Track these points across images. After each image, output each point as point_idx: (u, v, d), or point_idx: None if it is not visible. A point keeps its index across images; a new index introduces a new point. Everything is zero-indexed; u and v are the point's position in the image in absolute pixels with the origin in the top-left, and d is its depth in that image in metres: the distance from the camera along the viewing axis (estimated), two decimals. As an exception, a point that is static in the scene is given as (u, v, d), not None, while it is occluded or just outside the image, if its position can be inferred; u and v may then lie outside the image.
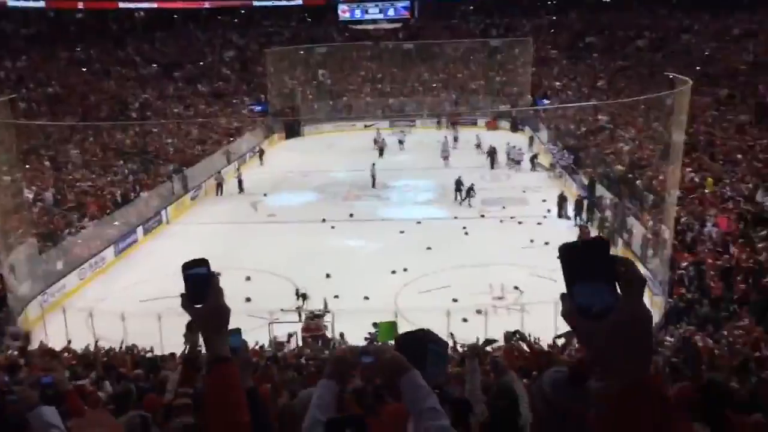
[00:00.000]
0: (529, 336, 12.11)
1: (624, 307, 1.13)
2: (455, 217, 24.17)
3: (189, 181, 28.44)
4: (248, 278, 18.75)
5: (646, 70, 38.56)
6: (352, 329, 14.87)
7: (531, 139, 35.42)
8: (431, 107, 43.29)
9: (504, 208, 24.90)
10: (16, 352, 12.61)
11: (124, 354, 12.85)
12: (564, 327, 13.77)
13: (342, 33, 51.81)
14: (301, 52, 46.26)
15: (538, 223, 23.16)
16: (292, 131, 41.33)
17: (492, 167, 30.50)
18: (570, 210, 23.64)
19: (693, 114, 23.43)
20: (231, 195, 28.77)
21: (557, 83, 43.14)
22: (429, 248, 20.99)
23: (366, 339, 14.06)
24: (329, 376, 2.26)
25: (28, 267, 17.93)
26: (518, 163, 31.21)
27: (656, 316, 16.10)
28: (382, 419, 2.89)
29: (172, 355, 12.60)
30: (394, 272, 19.15)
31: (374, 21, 52.87)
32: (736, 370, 8.70)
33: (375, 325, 14.55)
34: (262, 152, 35.20)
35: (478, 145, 34.06)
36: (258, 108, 42.05)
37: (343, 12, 53.48)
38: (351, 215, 24.85)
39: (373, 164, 29.24)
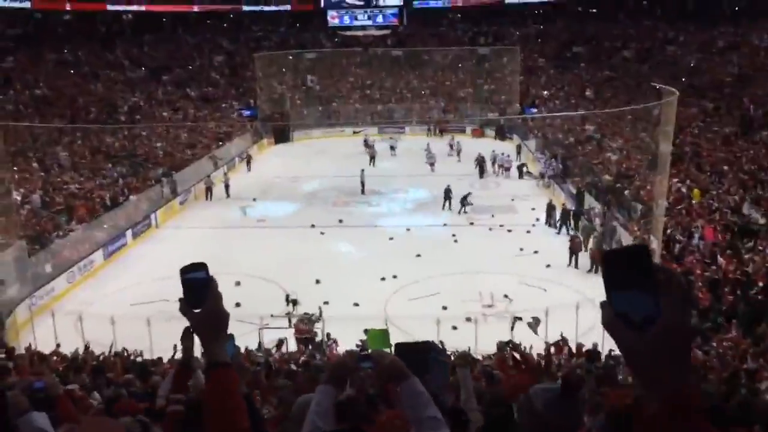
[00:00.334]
0: (521, 346, 12.21)
1: (667, 317, 1.09)
2: (444, 225, 24.26)
3: (178, 185, 28.32)
4: (238, 283, 18.67)
5: (632, 80, 38.99)
6: (342, 336, 14.89)
7: (519, 147, 35.63)
8: (420, 114, 43.47)
9: (493, 216, 25.01)
10: (2, 356, 12.47)
11: (113, 358, 12.77)
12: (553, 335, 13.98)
13: (331, 39, 51.92)
14: (290, 58, 46.32)
15: (527, 232, 23.30)
16: (282, 136, 41.29)
17: (481, 176, 30.62)
18: (564, 220, 23.75)
19: (679, 125, 23.74)
20: (220, 200, 28.67)
21: (545, 92, 43.48)
22: (418, 255, 21.04)
23: (357, 346, 14.05)
24: (328, 382, 2.18)
25: (17, 269, 17.76)
26: (507, 170, 31.41)
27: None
28: (378, 428, 2.88)
29: (161, 359, 12.56)
30: (383, 279, 19.17)
31: (363, 27, 52.99)
32: (726, 382, 8.81)
33: (366, 332, 14.56)
34: (249, 158, 35.06)
35: (454, 152, 34.63)
36: (247, 113, 41.98)
37: (332, 18, 53.57)
38: (340, 221, 24.86)
39: (363, 170, 29.29)
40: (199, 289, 1.75)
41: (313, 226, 24.19)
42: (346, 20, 53.44)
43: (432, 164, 32.53)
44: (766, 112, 26.46)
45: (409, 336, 13.93)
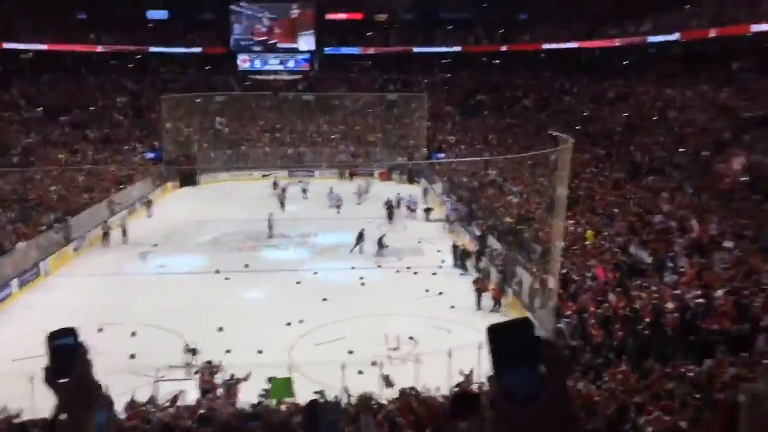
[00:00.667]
0: (426, 389, 12.22)
1: (550, 391, 1.12)
2: (352, 268, 24.23)
3: (73, 231, 26.95)
4: (134, 333, 17.83)
5: (532, 128, 40.92)
6: (246, 384, 14.41)
7: (425, 191, 36.40)
8: (330, 158, 43.72)
9: (400, 259, 25.25)
10: None
11: (-10, 419, 11.75)
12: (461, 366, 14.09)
13: (241, 82, 51.76)
14: (199, 100, 45.71)
15: (433, 274, 23.62)
16: (188, 180, 40.35)
17: (390, 219, 30.94)
18: (464, 261, 24.25)
19: (574, 170, 24.95)
20: (118, 245, 27.47)
21: (451, 138, 44.88)
22: (325, 299, 20.87)
23: (260, 396, 13.65)
24: None
25: None
26: (413, 211, 31.99)
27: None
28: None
29: (44, 419, 11.70)
30: (289, 324, 18.84)
31: (274, 72, 53.23)
32: (613, 416, 9.12)
33: (269, 380, 14.19)
34: (150, 202, 33.88)
35: (365, 195, 35.09)
36: (151, 155, 40.84)
37: (243, 62, 53.58)
38: (246, 266, 24.36)
39: (271, 214, 28.96)
40: (66, 357, 1.60)
41: (217, 271, 23.57)
42: (257, 64, 53.59)
43: (338, 207, 32.70)
44: (651, 159, 28.28)
45: (313, 383, 13.68)
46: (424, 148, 43.12)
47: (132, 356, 15.48)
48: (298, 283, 22.70)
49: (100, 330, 17.06)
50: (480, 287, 20.79)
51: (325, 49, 53.87)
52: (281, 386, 13.99)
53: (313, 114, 47.80)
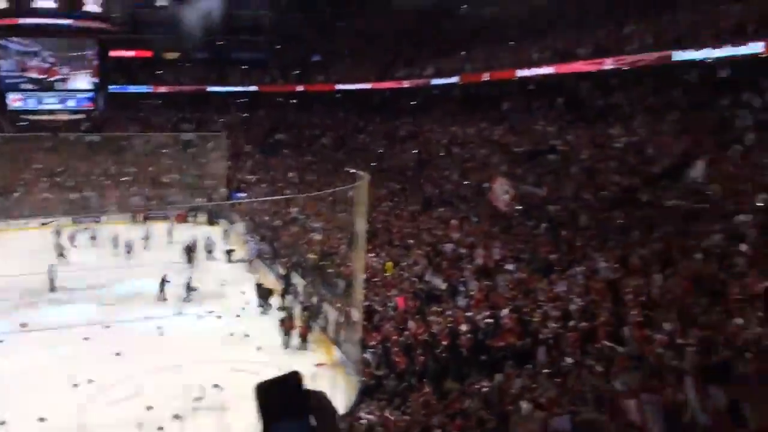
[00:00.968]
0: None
1: None
2: (146, 318, 22.70)
3: None
4: None
5: (330, 165, 41.94)
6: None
7: (226, 231, 35.52)
8: (120, 201, 40.96)
9: (201, 303, 24.21)
10: None
11: None
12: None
13: (14, 123, 46.92)
14: (-38, 143, 40.60)
15: (237, 316, 22.97)
16: (-51, 232, 35.32)
17: (190, 263, 29.54)
18: (268, 299, 23.88)
19: (372, 205, 25.96)
20: None
21: (251, 177, 44.46)
22: (118, 354, 19.27)
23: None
24: None
25: None
26: (210, 252, 30.97)
27: (352, 395, 16.92)
28: None
29: None
30: (76, 385, 17.07)
31: (51, 111, 49.10)
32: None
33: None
34: None
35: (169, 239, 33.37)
36: None
37: (14, 101, 48.80)
38: (24, 325, 21.76)
39: (52, 265, 26.26)
40: None
41: (-13, 333, 20.77)
42: (32, 104, 49.12)
43: (128, 252, 30.68)
44: (441, 191, 30.32)
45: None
46: (223, 188, 42.16)
47: None
48: (86, 339, 20.74)
49: None
50: (287, 326, 20.59)
51: (110, 87, 50.86)
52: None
53: (98, 155, 44.61)
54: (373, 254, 24.32)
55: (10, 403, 15.79)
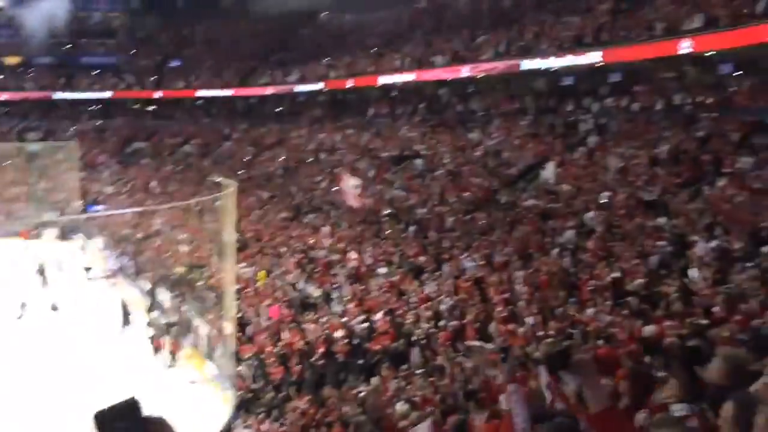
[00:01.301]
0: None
1: None
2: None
3: None
4: None
5: (196, 174, 40.63)
6: None
7: (83, 247, 33.38)
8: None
9: (57, 325, 22.57)
10: None
11: None
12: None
13: None
14: None
15: (101, 335, 21.65)
16: None
17: (44, 283, 27.30)
18: (128, 317, 22.71)
19: (241, 214, 25.50)
20: None
21: (109, 188, 42.09)
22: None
23: None
24: None
25: None
26: (63, 271, 28.90)
27: (228, 411, 16.54)
28: None
29: None
30: None
31: None
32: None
33: None
34: None
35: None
36: None
37: None
38: None
39: None
40: None
41: None
42: None
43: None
44: (310, 199, 30.33)
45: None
46: (78, 201, 39.52)
47: None
48: None
49: None
50: (157, 344, 19.75)
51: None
52: None
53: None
54: (244, 264, 23.89)
55: None
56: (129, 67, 52.33)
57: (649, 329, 8.19)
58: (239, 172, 36.35)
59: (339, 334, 15.97)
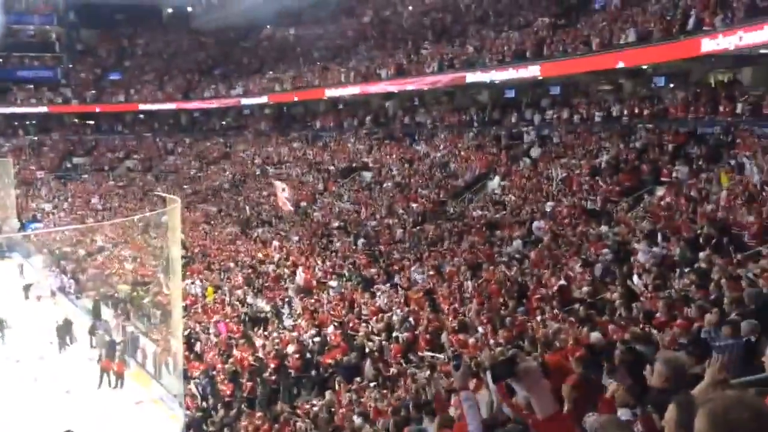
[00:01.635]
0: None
1: None
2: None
3: None
4: None
5: (139, 189, 39.78)
6: None
7: (21, 266, 32.17)
8: None
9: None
10: None
11: None
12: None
13: None
14: None
15: (41, 358, 20.87)
16: None
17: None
18: (66, 337, 21.97)
19: (188, 229, 25.13)
20: None
21: (47, 205, 40.72)
22: None
23: None
24: None
25: None
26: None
27: (177, 431, 16.20)
28: None
29: None
30: None
31: None
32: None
33: None
34: None
35: None
36: None
37: None
38: None
39: None
40: None
41: None
42: None
43: None
44: (258, 212, 30.06)
45: None
46: (14, 218, 38.06)
47: None
48: None
49: None
50: (104, 365, 19.18)
51: None
52: None
53: None
54: (191, 280, 23.51)
55: None
56: (66, 81, 50.83)
57: (595, 335, 8.46)
58: (184, 187, 35.77)
59: (291, 348, 15.86)
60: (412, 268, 17.52)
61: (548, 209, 17.41)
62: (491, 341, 11.27)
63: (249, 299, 20.51)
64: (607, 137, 20.16)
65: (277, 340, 16.71)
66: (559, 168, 19.63)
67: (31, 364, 20.16)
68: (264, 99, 40.21)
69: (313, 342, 15.92)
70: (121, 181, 43.15)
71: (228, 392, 15.85)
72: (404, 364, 12.89)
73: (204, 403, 16.13)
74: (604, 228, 14.64)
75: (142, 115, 49.47)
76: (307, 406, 13.00)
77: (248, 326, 18.83)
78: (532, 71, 23.96)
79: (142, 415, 17.44)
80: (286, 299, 19.56)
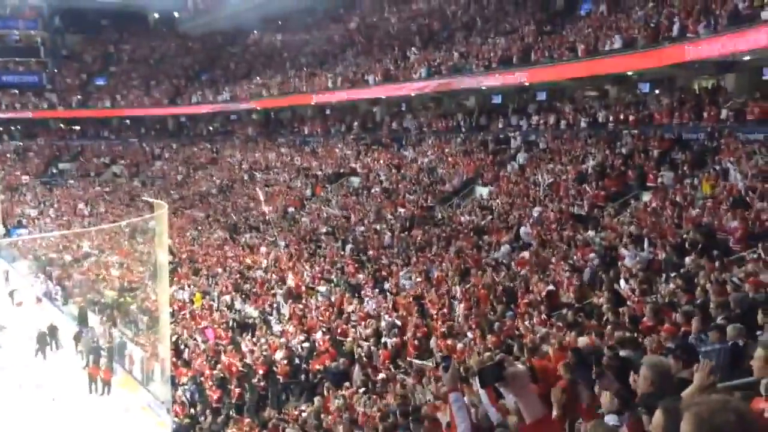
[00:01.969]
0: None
1: None
2: None
3: None
4: None
5: (125, 195, 39.55)
6: None
7: (7, 272, 31.84)
8: None
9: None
10: None
11: None
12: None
13: None
14: None
15: (26, 365, 20.66)
16: None
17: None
18: (45, 344, 21.76)
19: (175, 234, 25.00)
20: None
21: (33, 211, 40.40)
22: None
23: None
24: None
25: None
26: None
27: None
28: None
29: None
30: None
31: None
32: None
33: None
34: None
35: None
36: None
37: None
38: None
39: None
40: None
41: None
42: None
43: None
44: (246, 217, 29.98)
45: None
46: (-1, 224, 37.74)
47: None
48: None
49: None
50: (91, 371, 19.03)
51: None
52: None
53: None
54: (178, 286, 23.40)
55: None
56: (52, 86, 50.52)
57: (582, 340, 8.51)
58: (171, 192, 35.61)
59: (279, 354, 15.83)
60: (401, 274, 17.54)
61: (535, 214, 17.50)
62: (480, 346, 11.30)
63: (237, 305, 20.45)
64: (593, 143, 20.32)
65: (265, 346, 16.64)
66: (546, 173, 19.74)
67: (16, 370, 19.96)
68: (251, 105, 40.18)
69: (301, 348, 15.89)
70: (107, 187, 42.92)
71: (216, 398, 15.78)
72: (393, 370, 12.90)
73: (192, 410, 16.04)
74: (591, 233, 14.74)
75: (128, 121, 49.27)
76: (296, 412, 12.98)
77: (236, 332, 18.76)
78: (520, 78, 24.14)
79: (130, 422, 17.31)
80: (275, 305, 19.51)
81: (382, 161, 28.34)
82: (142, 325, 22.36)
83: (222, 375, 16.26)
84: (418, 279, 16.76)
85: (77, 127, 49.88)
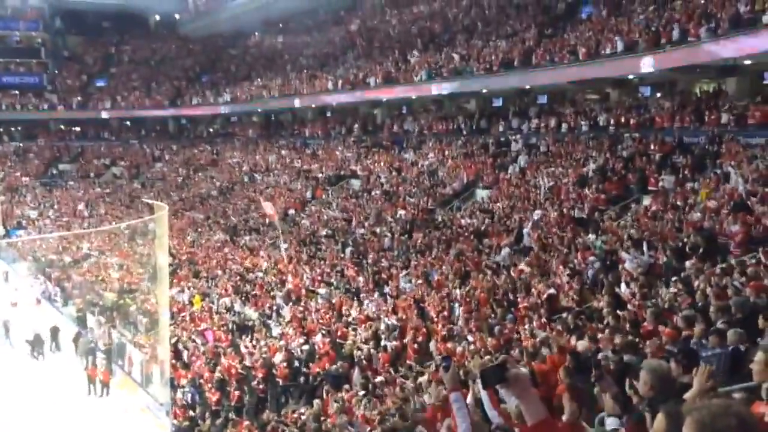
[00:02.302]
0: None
1: None
2: None
3: None
4: None
5: (125, 196, 39.55)
6: None
7: (6, 273, 31.83)
8: None
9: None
10: None
11: None
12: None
13: None
14: None
15: (24, 366, 20.66)
16: None
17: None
18: (36, 346, 21.74)
19: (175, 236, 24.97)
20: None
21: (33, 212, 40.40)
22: None
23: None
24: None
25: None
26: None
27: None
28: None
29: None
30: None
31: None
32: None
33: None
34: None
35: None
36: None
37: None
38: None
39: None
40: None
41: None
42: None
43: None
44: (246, 219, 29.97)
45: None
46: (-1, 225, 37.73)
47: None
48: None
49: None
50: (91, 373, 19.01)
51: None
52: None
53: None
54: (178, 288, 23.37)
55: None
56: (52, 87, 50.56)
57: (582, 344, 8.49)
58: (171, 194, 35.59)
59: (278, 357, 15.79)
60: (401, 276, 17.52)
61: (536, 217, 17.48)
62: (481, 349, 11.27)
63: (237, 307, 20.42)
64: (594, 146, 20.30)
65: (264, 349, 16.61)
66: (547, 177, 19.73)
67: (14, 371, 19.93)
68: (251, 106, 40.18)
69: (301, 350, 15.86)
70: (107, 188, 42.92)
71: (215, 401, 15.75)
72: (393, 373, 12.87)
73: (191, 412, 16.01)
74: (591, 236, 14.72)
75: (128, 122, 49.28)
76: (295, 415, 12.94)
77: (236, 334, 18.73)
78: (520, 80, 24.12)
79: (129, 424, 17.28)
80: (274, 307, 19.48)
81: (382, 164, 28.32)
82: (141, 326, 22.33)
83: (221, 377, 16.21)
84: (419, 282, 16.74)
85: (77, 129, 49.90)
